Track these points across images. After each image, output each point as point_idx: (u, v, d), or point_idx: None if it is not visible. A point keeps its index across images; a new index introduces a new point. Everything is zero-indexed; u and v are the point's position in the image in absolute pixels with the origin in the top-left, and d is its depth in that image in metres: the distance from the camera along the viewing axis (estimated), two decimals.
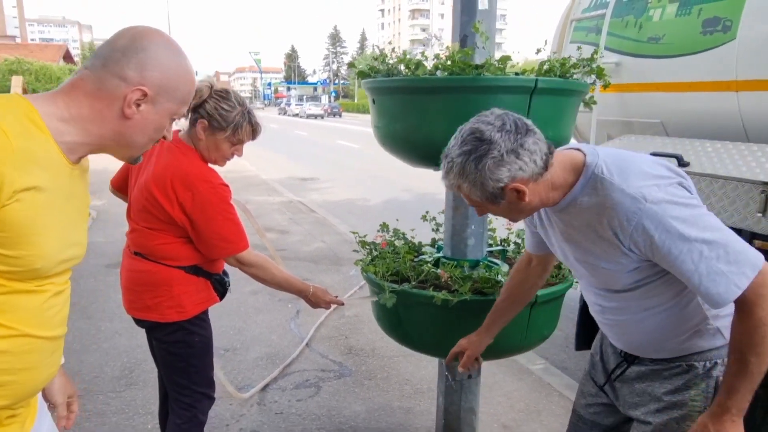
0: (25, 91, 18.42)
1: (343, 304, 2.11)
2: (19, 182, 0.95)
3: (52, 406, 1.32)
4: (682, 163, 2.55)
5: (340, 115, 50.31)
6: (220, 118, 1.84)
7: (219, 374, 2.90)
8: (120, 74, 1.06)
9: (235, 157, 1.98)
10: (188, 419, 1.99)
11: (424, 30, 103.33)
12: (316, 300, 2.04)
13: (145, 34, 1.09)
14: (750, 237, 2.20)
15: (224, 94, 1.86)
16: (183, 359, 1.95)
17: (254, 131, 1.94)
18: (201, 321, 1.96)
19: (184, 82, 1.14)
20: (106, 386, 3.08)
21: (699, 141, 2.76)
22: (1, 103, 1.00)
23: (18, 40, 41.28)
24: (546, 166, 1.20)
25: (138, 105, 1.08)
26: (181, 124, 1.88)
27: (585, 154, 1.26)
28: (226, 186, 1.87)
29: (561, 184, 1.25)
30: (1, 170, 0.93)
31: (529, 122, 1.22)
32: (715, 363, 1.31)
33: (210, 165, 1.91)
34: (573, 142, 2.15)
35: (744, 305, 1.15)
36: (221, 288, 2.01)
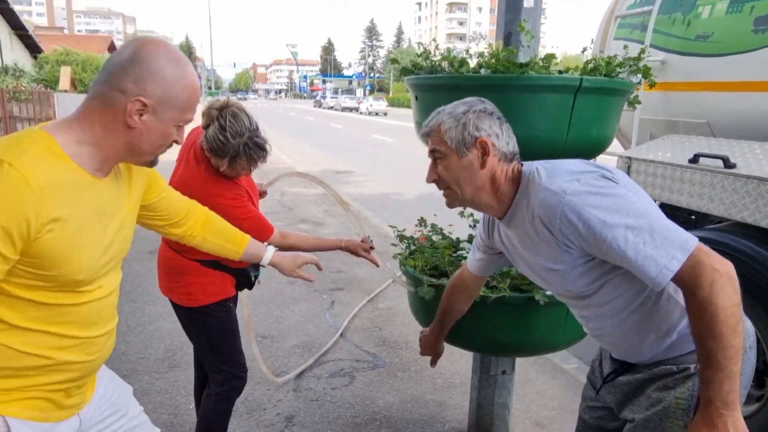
0: (73, 81, 19.05)
1: (377, 265, 2.21)
2: (45, 216, 1.02)
3: None
4: (728, 164, 2.49)
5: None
6: (217, 147, 1.86)
7: (256, 352, 2.99)
8: (120, 87, 1.09)
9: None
10: (219, 393, 2.14)
11: (461, 24, 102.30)
12: (352, 249, 2.15)
13: (143, 46, 1.12)
14: None
15: (225, 123, 1.85)
16: (205, 339, 2.11)
17: (250, 165, 1.93)
18: (219, 306, 2.07)
19: (185, 90, 1.15)
20: (151, 367, 3.22)
21: (747, 142, 2.69)
22: (20, 141, 1.05)
23: (66, 32, 42.65)
24: (512, 157, 1.36)
25: (140, 115, 1.11)
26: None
27: (522, 165, 1.37)
28: (240, 193, 1.96)
29: (506, 192, 1.36)
30: (25, 216, 0.99)
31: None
32: None
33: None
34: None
35: (684, 287, 1.14)
36: (246, 281, 2.13)
